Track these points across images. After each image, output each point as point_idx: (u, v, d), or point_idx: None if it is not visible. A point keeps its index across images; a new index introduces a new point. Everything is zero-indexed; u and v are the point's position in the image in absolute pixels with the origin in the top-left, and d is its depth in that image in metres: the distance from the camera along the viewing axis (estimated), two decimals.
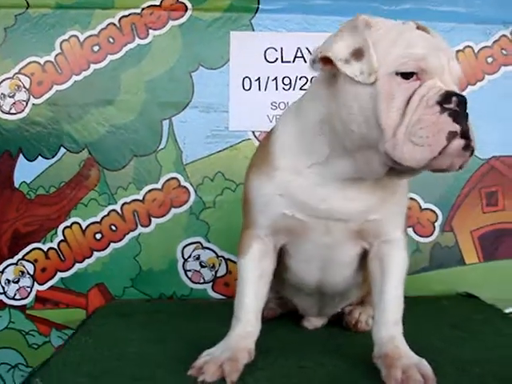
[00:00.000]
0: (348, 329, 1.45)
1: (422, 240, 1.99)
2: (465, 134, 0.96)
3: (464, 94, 1.93)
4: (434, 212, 1.99)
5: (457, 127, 0.96)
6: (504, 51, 2.00)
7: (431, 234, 2.00)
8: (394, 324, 1.15)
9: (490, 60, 2.01)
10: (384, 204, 1.16)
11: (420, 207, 1.99)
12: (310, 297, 1.40)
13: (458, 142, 0.96)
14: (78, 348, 1.32)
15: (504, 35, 2.00)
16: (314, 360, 1.20)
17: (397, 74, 1.00)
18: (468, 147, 0.97)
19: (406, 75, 1.00)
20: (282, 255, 1.29)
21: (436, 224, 2.00)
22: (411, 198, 1.96)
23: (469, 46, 2.00)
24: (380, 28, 1.05)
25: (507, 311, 1.97)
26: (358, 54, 1.00)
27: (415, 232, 1.99)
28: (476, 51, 2.00)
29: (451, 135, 0.96)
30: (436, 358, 1.21)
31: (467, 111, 0.98)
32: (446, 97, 0.97)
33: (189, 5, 1.94)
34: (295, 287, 1.39)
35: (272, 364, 1.18)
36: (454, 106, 0.97)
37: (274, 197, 1.17)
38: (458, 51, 1.98)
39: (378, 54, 1.00)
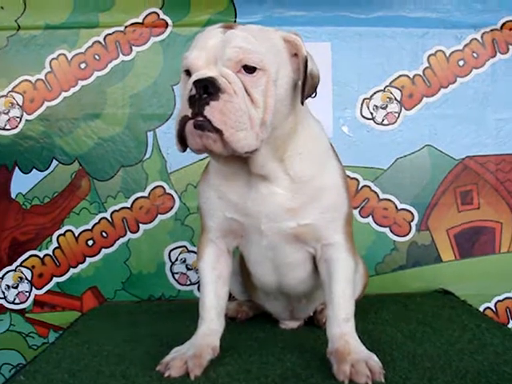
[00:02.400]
0: (319, 327, 1.50)
1: (398, 239, 2.07)
2: (200, 115, 1.04)
3: (437, 96, 2.00)
4: (410, 212, 2.06)
5: (188, 111, 1.05)
6: (475, 54, 2.06)
7: (408, 234, 2.07)
8: (344, 321, 1.21)
9: (461, 63, 2.07)
10: (312, 209, 1.24)
11: (396, 208, 2.06)
12: (278, 301, 1.49)
13: (189, 124, 1.06)
14: (62, 347, 1.43)
15: (475, 39, 2.06)
16: (275, 356, 1.29)
17: (183, 74, 1.15)
18: (200, 126, 1.05)
19: (188, 73, 1.13)
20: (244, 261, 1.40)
21: (412, 223, 2.06)
22: (387, 199, 2.05)
23: (440, 51, 2.06)
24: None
25: (483, 306, 2.04)
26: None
27: (392, 232, 2.06)
28: (447, 55, 2.06)
29: (184, 119, 1.06)
30: (392, 352, 1.30)
31: (212, 91, 1.05)
32: (194, 86, 1.06)
33: (169, 21, 2.04)
34: (262, 291, 1.48)
35: (236, 360, 1.26)
36: (193, 92, 1.06)
37: (214, 200, 1.28)
38: (430, 55, 2.06)
39: None
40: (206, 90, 1.05)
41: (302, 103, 1.18)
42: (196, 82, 1.06)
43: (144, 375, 1.18)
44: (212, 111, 1.04)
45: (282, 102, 1.14)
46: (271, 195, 1.23)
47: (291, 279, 1.37)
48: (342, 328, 1.21)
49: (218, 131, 1.04)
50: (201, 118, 1.05)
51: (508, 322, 2.06)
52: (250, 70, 1.10)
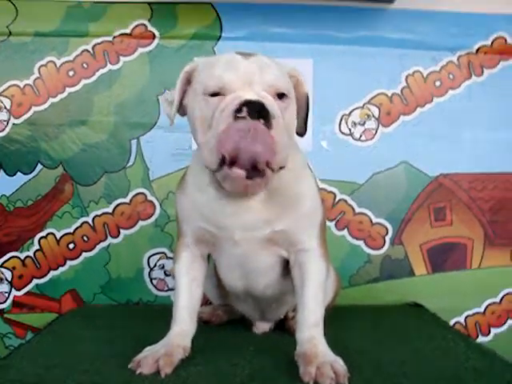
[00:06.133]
0: (290, 333, 1.52)
1: (372, 252, 2.12)
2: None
3: (413, 115, 2.07)
4: (385, 226, 2.12)
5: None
6: (451, 75, 2.14)
7: (382, 247, 2.12)
8: (313, 325, 1.26)
9: (438, 84, 2.14)
10: (287, 216, 1.28)
11: (371, 221, 2.11)
12: (247, 303, 1.54)
13: (238, 172, 1.08)
14: (39, 345, 1.47)
15: (451, 61, 2.14)
16: (246, 359, 1.32)
17: (205, 95, 1.16)
18: (252, 177, 1.08)
19: (213, 95, 1.15)
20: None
21: (386, 237, 2.11)
22: (362, 213, 2.11)
23: (418, 71, 2.14)
24: (201, 64, 1.23)
25: (454, 320, 2.10)
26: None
27: (366, 244, 2.11)
28: (425, 75, 2.14)
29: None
30: (359, 358, 1.32)
31: (264, 115, 1.06)
32: (240, 106, 1.07)
33: (157, 33, 2.10)
34: (233, 294, 1.53)
35: (207, 361, 1.30)
36: (244, 113, 1.06)
37: (190, 211, 1.33)
38: (408, 75, 2.14)
39: (196, 83, 1.21)
40: (259, 113, 1.06)
41: (303, 135, 1.31)
42: (247, 104, 1.07)
43: (117, 372, 1.21)
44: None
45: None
46: (247, 209, 1.27)
47: (259, 284, 1.42)
48: (311, 332, 1.25)
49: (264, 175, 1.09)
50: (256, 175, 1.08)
51: (477, 337, 2.11)
52: (280, 96, 1.16)
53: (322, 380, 1.12)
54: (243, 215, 1.27)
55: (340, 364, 1.17)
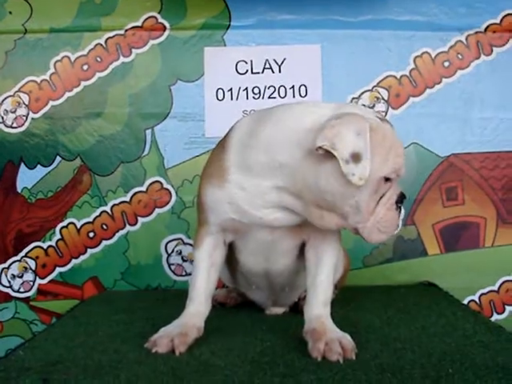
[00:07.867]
0: (302, 313, 1.55)
1: None
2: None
3: (423, 96, 2.08)
4: None
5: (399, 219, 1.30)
6: (460, 55, 2.14)
7: None
8: (323, 304, 1.31)
9: (446, 64, 2.15)
10: None
11: None
12: (261, 290, 1.58)
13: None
14: (61, 327, 1.54)
15: (459, 41, 2.14)
16: (257, 338, 1.37)
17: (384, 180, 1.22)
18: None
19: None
20: (233, 251, 1.48)
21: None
22: None
23: (426, 52, 2.15)
24: (379, 133, 1.18)
25: (467, 299, 2.11)
26: (356, 157, 1.13)
27: None
28: (433, 56, 2.15)
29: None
30: (368, 335, 1.37)
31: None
32: (400, 198, 1.26)
33: (167, 25, 2.15)
34: (247, 280, 1.57)
35: (219, 340, 1.35)
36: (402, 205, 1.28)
37: (223, 203, 1.33)
38: (416, 57, 2.15)
39: (374, 159, 1.15)
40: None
41: None
42: (404, 198, 1.29)
43: (134, 351, 1.26)
44: None
45: None
46: (292, 214, 1.31)
47: (279, 265, 1.45)
48: (320, 310, 1.30)
49: None
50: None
51: (492, 315, 2.13)
52: None
53: (330, 355, 1.16)
54: (285, 216, 1.31)
55: (348, 340, 1.21)
